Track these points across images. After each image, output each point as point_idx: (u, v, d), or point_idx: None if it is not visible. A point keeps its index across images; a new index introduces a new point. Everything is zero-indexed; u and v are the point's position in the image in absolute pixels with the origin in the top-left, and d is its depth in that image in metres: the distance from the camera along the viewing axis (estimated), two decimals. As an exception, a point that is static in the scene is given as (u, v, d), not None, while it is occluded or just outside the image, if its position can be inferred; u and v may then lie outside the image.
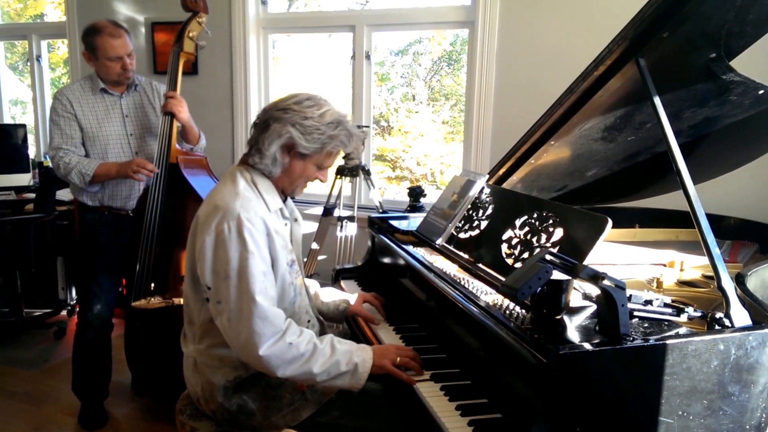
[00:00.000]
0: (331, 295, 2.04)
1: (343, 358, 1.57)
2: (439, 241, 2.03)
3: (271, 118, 1.61)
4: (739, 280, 1.49)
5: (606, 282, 1.21)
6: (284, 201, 1.75)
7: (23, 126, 4.34)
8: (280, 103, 1.64)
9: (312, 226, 3.52)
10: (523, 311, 1.44)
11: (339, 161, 3.27)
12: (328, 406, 1.65)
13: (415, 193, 3.12)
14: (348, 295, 2.06)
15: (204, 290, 1.58)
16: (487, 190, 2.03)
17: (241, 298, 1.51)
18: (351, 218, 3.34)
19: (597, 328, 1.28)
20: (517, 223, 1.75)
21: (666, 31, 1.49)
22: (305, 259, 3.35)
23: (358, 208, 3.41)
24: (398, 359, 1.61)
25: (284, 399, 1.65)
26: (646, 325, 1.32)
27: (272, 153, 1.61)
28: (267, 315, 1.51)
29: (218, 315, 1.56)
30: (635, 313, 1.34)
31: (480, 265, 1.78)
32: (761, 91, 1.74)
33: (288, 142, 1.60)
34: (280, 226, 1.67)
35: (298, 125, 1.59)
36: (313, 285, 2.07)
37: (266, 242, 1.58)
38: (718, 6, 1.45)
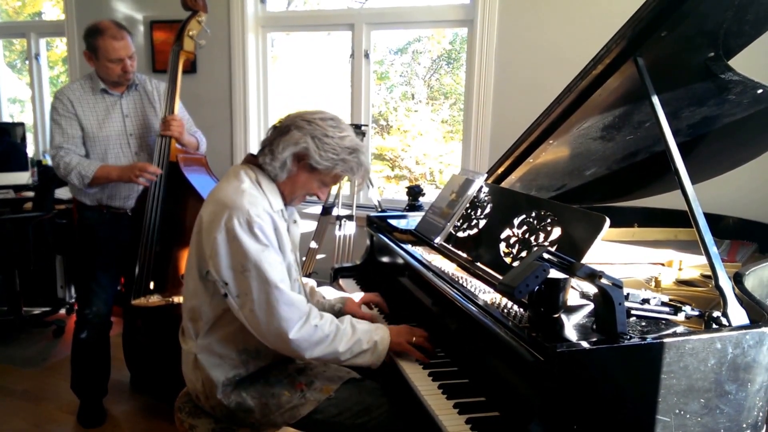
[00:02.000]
0: (327, 295, 2.06)
1: (364, 337, 1.64)
2: (438, 240, 2.03)
3: (293, 125, 1.65)
4: (737, 279, 1.49)
5: (603, 280, 1.21)
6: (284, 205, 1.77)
7: (22, 124, 4.33)
8: (306, 115, 1.67)
9: (311, 225, 3.52)
10: (522, 310, 1.45)
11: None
12: (327, 405, 1.66)
13: (414, 192, 3.12)
14: (345, 294, 2.07)
15: (220, 286, 1.59)
16: (485, 189, 2.03)
17: (263, 289, 1.55)
18: (350, 217, 3.34)
19: (594, 326, 1.28)
20: (516, 222, 1.75)
21: (664, 30, 1.49)
22: (303, 258, 3.36)
23: (357, 207, 3.41)
24: (414, 339, 1.68)
25: (283, 397, 1.66)
26: (643, 323, 1.32)
27: (284, 158, 1.64)
28: (292, 300, 1.57)
29: (241, 307, 1.58)
30: (633, 312, 1.34)
31: (478, 263, 1.79)
32: (760, 90, 1.74)
33: (302, 152, 1.63)
34: (282, 226, 1.69)
35: (317, 140, 1.63)
36: (309, 283, 2.08)
37: (275, 236, 1.62)
38: (716, 5, 1.46)
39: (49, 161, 2.70)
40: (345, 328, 1.63)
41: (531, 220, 1.71)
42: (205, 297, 1.68)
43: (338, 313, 1.99)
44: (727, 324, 1.29)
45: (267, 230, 1.58)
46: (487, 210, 1.93)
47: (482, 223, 1.91)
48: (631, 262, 1.98)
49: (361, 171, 1.72)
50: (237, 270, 1.56)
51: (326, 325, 1.60)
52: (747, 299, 1.37)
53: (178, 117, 2.64)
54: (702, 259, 1.44)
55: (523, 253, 1.65)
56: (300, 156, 1.65)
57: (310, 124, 1.64)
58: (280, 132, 1.66)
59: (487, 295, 1.59)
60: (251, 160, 1.73)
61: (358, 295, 2.06)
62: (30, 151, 4.63)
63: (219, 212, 1.58)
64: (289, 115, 1.70)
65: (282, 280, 1.57)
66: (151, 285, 2.59)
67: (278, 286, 1.55)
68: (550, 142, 2.00)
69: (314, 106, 1.75)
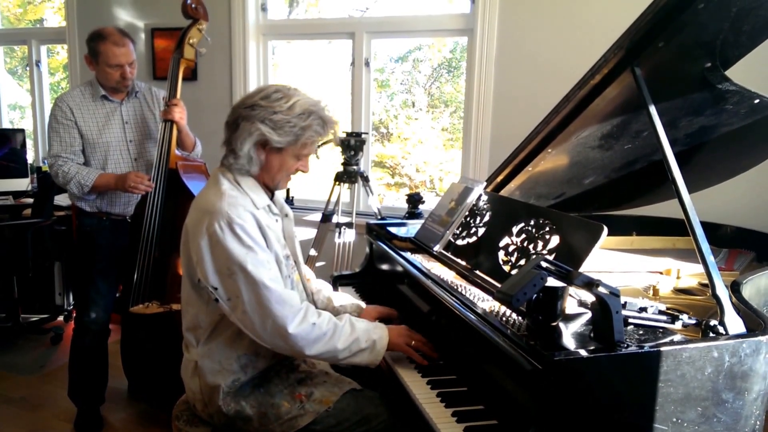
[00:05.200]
0: (343, 300, 2.03)
1: (363, 335, 1.63)
2: (437, 248, 2.04)
3: (239, 117, 1.61)
4: (735, 288, 1.50)
5: (600, 289, 1.22)
6: (271, 197, 1.75)
7: (22, 131, 4.35)
8: (247, 100, 1.62)
9: (310, 233, 3.52)
10: (520, 318, 1.45)
11: (337, 167, 3.28)
12: (325, 415, 1.65)
13: (414, 199, 3.12)
14: (360, 301, 2.04)
15: (210, 292, 1.59)
16: (484, 198, 2.04)
17: (252, 289, 1.53)
18: (349, 225, 3.34)
19: (592, 334, 1.29)
20: (514, 230, 1.75)
21: (661, 41, 1.51)
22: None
23: (357, 214, 3.41)
24: (413, 342, 1.68)
25: (282, 408, 1.65)
26: (641, 332, 1.33)
27: (246, 152, 1.61)
28: (284, 298, 1.55)
29: (233, 311, 1.58)
30: (630, 320, 1.34)
31: (477, 271, 1.79)
32: (757, 101, 1.75)
33: (260, 139, 1.60)
34: (270, 222, 1.68)
35: (268, 121, 1.58)
36: (326, 287, 2.06)
37: (260, 233, 1.60)
38: (712, 16, 1.47)
39: (48, 169, 2.71)
40: (344, 326, 1.62)
41: (529, 228, 1.71)
42: (200, 305, 1.67)
43: None
44: (724, 333, 1.30)
45: (250, 230, 1.56)
46: (486, 218, 1.94)
47: (481, 231, 1.92)
48: (630, 271, 1.98)
49: (328, 127, 1.66)
50: (223, 274, 1.55)
51: (324, 323, 1.59)
52: (744, 308, 1.37)
53: (180, 102, 2.65)
54: (700, 268, 1.44)
55: (522, 261, 1.65)
56: (261, 143, 1.61)
57: (254, 109, 1.58)
58: (232, 128, 1.63)
59: (485, 303, 1.60)
60: (223, 161, 1.70)
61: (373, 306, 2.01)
62: (30, 157, 4.64)
63: (201, 219, 1.58)
64: (233, 107, 1.66)
65: (272, 279, 1.55)
66: (150, 292, 2.59)
67: (267, 284, 1.53)
68: (549, 150, 2.01)
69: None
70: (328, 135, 1.69)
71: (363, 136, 3.25)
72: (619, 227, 2.40)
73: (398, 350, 1.67)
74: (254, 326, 1.56)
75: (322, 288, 2.05)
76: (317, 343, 1.57)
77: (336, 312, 1.97)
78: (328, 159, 3.60)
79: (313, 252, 3.37)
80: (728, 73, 1.68)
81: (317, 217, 3.53)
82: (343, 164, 3.27)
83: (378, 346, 1.64)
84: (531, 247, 1.66)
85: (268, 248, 1.62)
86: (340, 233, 3.34)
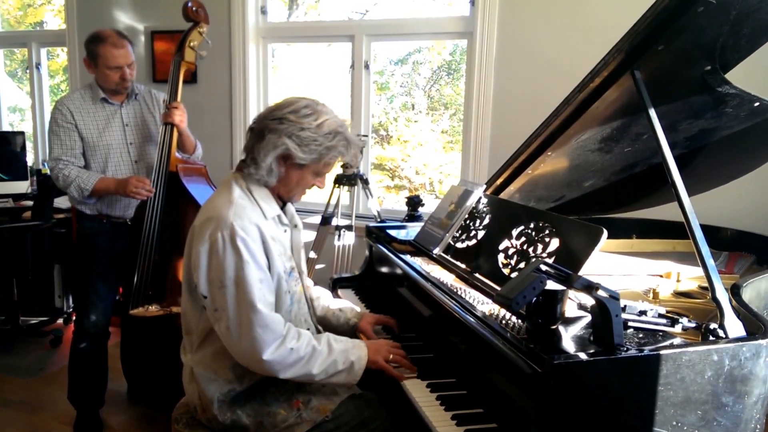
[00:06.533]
0: (343, 304, 2.01)
1: (340, 357, 1.61)
2: (437, 251, 2.04)
3: (266, 128, 1.59)
4: (735, 291, 1.49)
5: (600, 292, 1.22)
6: (283, 207, 1.74)
7: (22, 133, 4.35)
8: (276, 112, 1.60)
9: (310, 235, 3.52)
10: (520, 321, 1.45)
11: (337, 170, 3.28)
12: (324, 422, 1.64)
13: (414, 202, 3.12)
14: (358, 308, 2.03)
15: (200, 299, 1.58)
16: (484, 200, 2.04)
17: (240, 307, 1.52)
18: (349, 227, 3.34)
19: (592, 338, 1.29)
20: (514, 233, 1.75)
21: (661, 44, 1.51)
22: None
23: (356, 217, 3.41)
24: (390, 356, 1.66)
25: (279, 416, 1.64)
26: (640, 335, 1.32)
27: (268, 164, 1.59)
28: (267, 322, 1.53)
29: (216, 322, 1.57)
30: (630, 324, 1.34)
31: (477, 274, 1.79)
32: (756, 104, 1.75)
33: (284, 153, 1.58)
34: (278, 234, 1.66)
35: (295, 137, 1.57)
36: (325, 294, 2.05)
37: (261, 249, 1.58)
38: (712, 19, 1.47)
39: (49, 172, 2.71)
40: (321, 349, 1.59)
41: (529, 231, 1.71)
42: (194, 311, 1.66)
43: (353, 329, 1.94)
44: (724, 336, 1.30)
45: (251, 245, 1.54)
46: (486, 221, 1.94)
47: (481, 234, 1.92)
48: (630, 274, 1.98)
49: (352, 148, 1.66)
50: (215, 284, 1.54)
51: (302, 347, 1.57)
52: (744, 311, 1.37)
53: (181, 105, 2.65)
54: (700, 271, 1.44)
55: (522, 264, 1.65)
56: (284, 157, 1.60)
57: (281, 122, 1.57)
58: (256, 137, 1.61)
59: (485, 306, 1.59)
60: (242, 168, 1.68)
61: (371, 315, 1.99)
62: (29, 160, 4.64)
63: (206, 224, 1.57)
64: (260, 116, 1.64)
65: (260, 300, 1.53)
66: (150, 294, 2.59)
67: (255, 306, 1.51)
68: (549, 153, 2.01)
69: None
70: (350, 156, 1.68)
71: (362, 138, 3.25)
72: (619, 230, 2.41)
73: (376, 368, 1.63)
74: (232, 342, 1.55)
75: (321, 295, 2.03)
76: (292, 367, 1.56)
77: (335, 318, 1.96)
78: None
79: (312, 255, 3.37)
80: (728, 76, 1.68)
81: (317, 219, 3.53)
82: (342, 167, 3.26)
83: (356, 367, 1.62)
84: (531, 250, 1.66)
85: (270, 264, 1.60)
86: (339, 236, 3.34)
